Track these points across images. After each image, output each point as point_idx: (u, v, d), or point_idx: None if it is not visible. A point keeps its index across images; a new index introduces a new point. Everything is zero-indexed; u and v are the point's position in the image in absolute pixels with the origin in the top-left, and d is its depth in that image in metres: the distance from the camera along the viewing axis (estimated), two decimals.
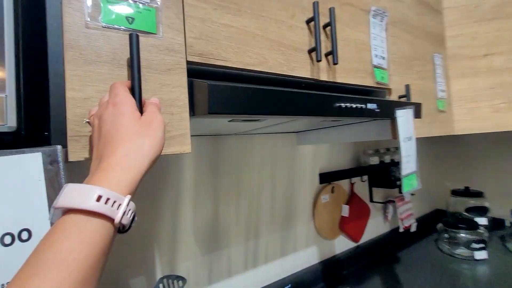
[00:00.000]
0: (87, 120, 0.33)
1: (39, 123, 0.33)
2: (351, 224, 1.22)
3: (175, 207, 0.77)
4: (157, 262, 0.73)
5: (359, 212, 1.26)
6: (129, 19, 0.38)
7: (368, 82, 0.70)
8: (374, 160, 1.26)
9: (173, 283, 0.58)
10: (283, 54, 0.53)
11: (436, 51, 0.99)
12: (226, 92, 0.37)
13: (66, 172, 0.30)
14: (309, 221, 1.12)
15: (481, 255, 1.18)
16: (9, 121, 0.27)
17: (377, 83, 0.72)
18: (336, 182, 1.20)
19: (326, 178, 1.16)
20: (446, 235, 1.30)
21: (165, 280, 0.57)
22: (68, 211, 0.23)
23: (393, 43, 0.80)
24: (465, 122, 1.01)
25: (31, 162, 0.25)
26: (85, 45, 0.35)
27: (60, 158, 0.29)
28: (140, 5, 0.38)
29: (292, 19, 0.56)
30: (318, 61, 0.55)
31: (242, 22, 0.48)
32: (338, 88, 0.67)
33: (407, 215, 1.37)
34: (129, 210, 0.26)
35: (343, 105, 0.51)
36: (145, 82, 0.37)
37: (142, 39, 0.38)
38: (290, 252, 1.05)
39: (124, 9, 0.37)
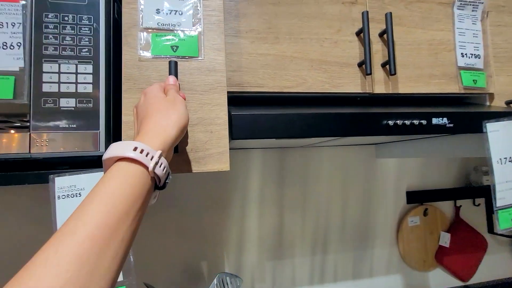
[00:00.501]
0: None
1: None
2: (454, 257, 0.99)
3: (242, 213, 0.86)
4: (225, 260, 0.84)
5: (468, 244, 1.00)
6: (174, 47, 0.44)
7: (450, 88, 0.58)
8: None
9: (230, 281, 0.66)
10: (325, 72, 0.53)
11: None
12: (248, 119, 0.41)
13: None
14: (392, 245, 0.98)
15: None
16: (101, 148, 0.41)
17: (466, 88, 0.58)
18: (431, 203, 1.00)
19: (416, 197, 0.99)
20: None
21: (222, 276, 0.66)
22: (113, 162, 0.29)
23: (498, 33, 0.62)
24: None
25: None
26: (138, 76, 0.42)
27: None
28: (183, 34, 0.44)
29: (338, 34, 0.54)
30: (368, 74, 0.51)
31: (279, 48, 0.51)
32: (400, 99, 0.59)
33: None
34: (161, 163, 0.30)
35: (391, 122, 0.45)
36: (187, 103, 0.41)
37: (185, 63, 0.44)
38: (365, 276, 0.95)
39: (169, 40, 0.43)
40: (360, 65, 0.54)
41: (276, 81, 0.51)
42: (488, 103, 0.61)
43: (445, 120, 0.47)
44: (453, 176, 1.04)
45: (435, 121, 0.47)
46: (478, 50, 0.59)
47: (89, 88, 0.41)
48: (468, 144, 0.67)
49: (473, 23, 0.59)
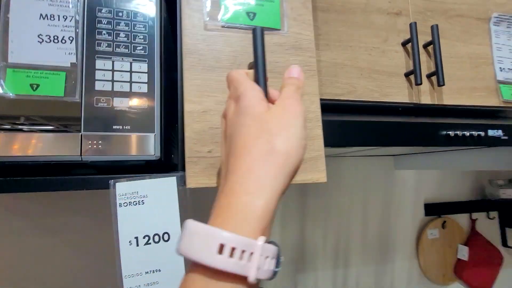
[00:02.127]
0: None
1: (169, 151, 0.44)
2: (472, 271, 0.98)
3: None
4: None
5: (485, 257, 1.00)
6: (250, 14, 0.33)
7: (491, 101, 0.58)
8: (508, 193, 0.99)
9: None
10: (374, 80, 0.52)
11: None
12: (339, 126, 0.39)
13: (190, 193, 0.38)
14: (412, 259, 0.97)
15: None
16: (156, 152, 0.38)
17: (505, 101, 0.59)
18: (448, 216, 1.00)
19: (434, 209, 0.99)
20: None
21: None
22: (191, 264, 0.18)
23: None
24: None
25: (170, 183, 0.35)
26: (204, 50, 0.32)
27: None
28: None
29: (385, 44, 0.54)
30: (418, 84, 0.51)
31: (330, 55, 0.50)
32: (448, 111, 0.58)
33: None
34: (267, 257, 0.18)
35: (452, 133, 0.45)
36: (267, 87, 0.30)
37: (266, 37, 0.31)
38: None
39: (244, 4, 0.33)
40: (407, 75, 0.53)
41: (326, 88, 0.50)
42: None
43: (500, 132, 0.47)
44: (468, 189, 1.05)
45: (491, 133, 0.46)
46: None
47: (144, 88, 0.38)
48: (491, 158, 0.68)
49: (508, 39, 0.61)
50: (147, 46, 0.39)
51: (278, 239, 0.84)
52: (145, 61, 0.39)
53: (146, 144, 0.38)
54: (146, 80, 0.39)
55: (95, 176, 0.34)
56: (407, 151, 0.85)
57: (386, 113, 0.53)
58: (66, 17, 0.36)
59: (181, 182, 0.36)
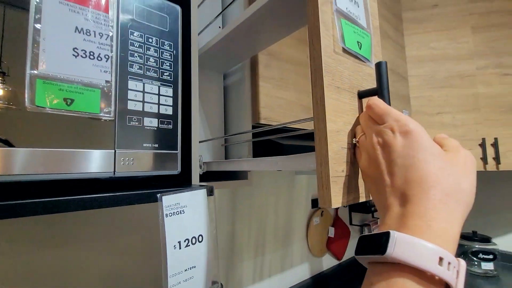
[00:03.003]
0: (356, 140, 0.31)
1: (186, 167, 0.48)
2: (335, 244, 1.43)
3: None
4: None
5: (342, 233, 1.48)
6: (359, 44, 0.36)
7: None
8: None
9: None
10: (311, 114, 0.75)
11: (404, 108, 1.29)
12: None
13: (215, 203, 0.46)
14: (303, 241, 1.30)
15: None
16: (178, 168, 0.43)
17: None
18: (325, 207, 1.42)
19: (317, 203, 1.37)
20: None
21: None
22: (395, 269, 0.21)
23: None
24: None
25: (202, 194, 0.42)
26: (334, 69, 0.32)
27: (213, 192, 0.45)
28: (362, 31, 0.38)
29: None
30: None
31: (287, 94, 0.69)
32: None
33: None
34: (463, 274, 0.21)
35: None
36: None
37: (362, 66, 0.36)
38: (288, 268, 1.21)
39: (356, 32, 0.36)
40: None
41: (283, 117, 0.68)
42: None
43: None
44: None
45: None
46: None
47: (169, 110, 0.44)
48: None
49: None
50: (172, 73, 0.44)
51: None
52: (171, 86, 0.44)
53: (170, 161, 0.43)
54: (171, 104, 0.44)
55: (143, 191, 0.37)
56: None
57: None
58: (102, 35, 0.37)
59: (209, 192, 0.44)
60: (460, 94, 1.32)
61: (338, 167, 0.31)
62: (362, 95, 0.35)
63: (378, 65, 0.33)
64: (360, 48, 0.36)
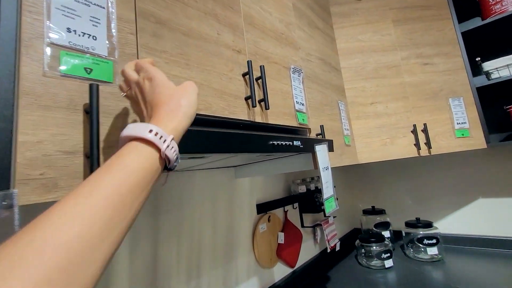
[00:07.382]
0: (124, 94, 0.42)
1: None
2: (287, 250, 1.32)
3: None
4: None
5: (293, 238, 1.37)
6: (88, 69, 0.41)
7: (293, 123, 0.86)
8: (302, 189, 1.43)
9: None
10: (224, 100, 0.63)
11: (340, 99, 1.26)
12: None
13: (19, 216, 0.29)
14: (249, 253, 1.16)
15: (389, 263, 1.43)
16: None
17: (300, 124, 0.88)
18: (272, 211, 1.30)
19: (263, 208, 1.25)
20: (362, 250, 1.52)
21: None
22: (130, 140, 0.31)
23: (309, 93, 1.00)
24: (364, 153, 1.29)
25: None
26: (42, 92, 0.37)
27: (16, 202, 0.29)
28: (99, 59, 0.43)
29: (231, 72, 0.67)
30: (253, 107, 0.67)
31: (190, 74, 0.56)
32: (271, 128, 0.79)
33: (332, 236, 1.55)
34: (172, 147, 0.33)
35: (275, 142, 0.62)
36: (101, 126, 0.40)
37: (101, 87, 0.41)
38: (232, 287, 1.05)
39: (82, 61, 0.41)
40: (246, 99, 0.69)
41: None
42: (308, 135, 0.95)
43: (299, 142, 0.71)
44: (281, 188, 1.42)
45: (295, 143, 0.69)
46: (303, 100, 0.92)
47: None
48: (294, 163, 0.99)
49: (299, 83, 0.93)
50: None
51: (128, 263, 0.75)
52: None
53: None
54: None
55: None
56: (244, 162, 1.04)
57: (233, 127, 0.66)
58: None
59: (10, 202, 0.27)
60: (390, 84, 1.35)
61: (32, 171, 0.35)
62: (86, 110, 0.41)
63: (89, 87, 0.39)
64: (88, 73, 0.42)
